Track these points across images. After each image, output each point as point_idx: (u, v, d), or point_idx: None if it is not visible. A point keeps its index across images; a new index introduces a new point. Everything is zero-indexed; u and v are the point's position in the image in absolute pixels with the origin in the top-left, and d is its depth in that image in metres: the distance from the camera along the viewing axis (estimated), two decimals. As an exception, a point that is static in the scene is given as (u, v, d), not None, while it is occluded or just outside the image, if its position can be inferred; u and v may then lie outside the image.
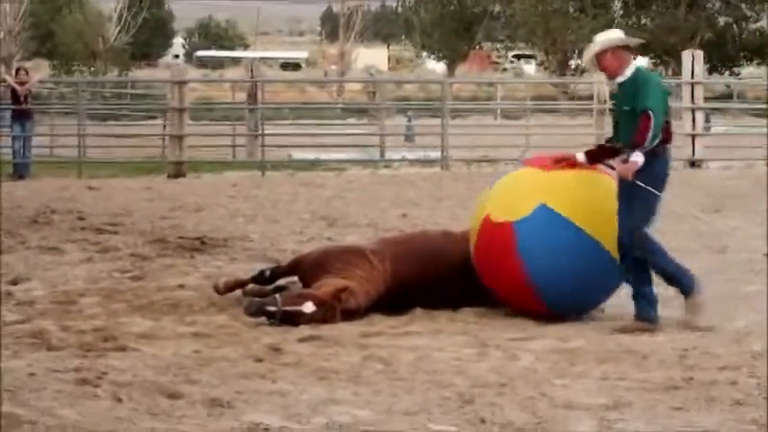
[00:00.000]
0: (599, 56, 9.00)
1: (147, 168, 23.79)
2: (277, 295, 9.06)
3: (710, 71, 55.51)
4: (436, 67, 76.19)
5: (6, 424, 6.07)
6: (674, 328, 8.85)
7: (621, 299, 9.25)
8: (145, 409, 6.47)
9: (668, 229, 13.99)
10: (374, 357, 7.80)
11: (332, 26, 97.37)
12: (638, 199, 8.77)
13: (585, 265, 8.86)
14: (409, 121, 33.15)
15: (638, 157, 8.65)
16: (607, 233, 8.83)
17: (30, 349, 7.91)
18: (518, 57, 77.05)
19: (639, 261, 8.91)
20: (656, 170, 8.78)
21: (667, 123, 8.87)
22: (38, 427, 6.07)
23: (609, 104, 25.60)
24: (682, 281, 8.97)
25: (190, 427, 6.20)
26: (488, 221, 9.13)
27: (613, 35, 9.12)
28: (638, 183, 8.69)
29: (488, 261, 9.13)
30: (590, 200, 9.02)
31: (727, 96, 43.35)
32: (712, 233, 13.89)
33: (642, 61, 66.21)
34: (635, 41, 9.41)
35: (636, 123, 8.70)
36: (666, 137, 8.87)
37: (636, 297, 8.96)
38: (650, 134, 8.62)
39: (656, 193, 8.84)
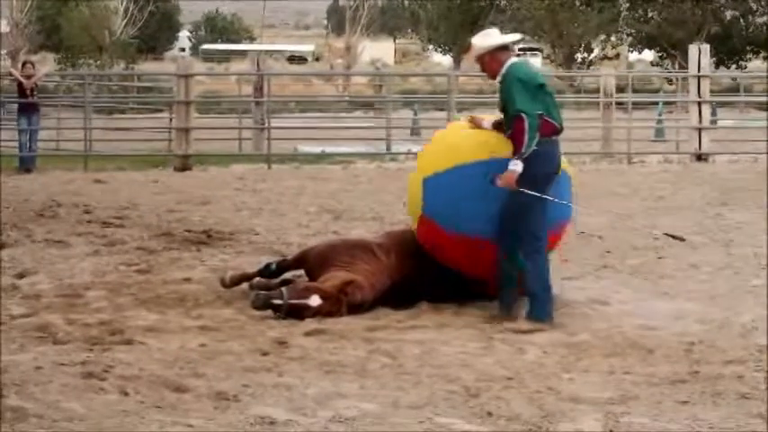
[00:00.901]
0: (479, 58, 9.12)
1: (154, 161, 23.78)
2: (283, 288, 9.05)
3: (717, 65, 55.38)
4: (442, 60, 76.12)
5: (13, 417, 6.09)
6: (678, 321, 8.86)
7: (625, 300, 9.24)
8: (151, 403, 6.49)
9: (675, 223, 14.03)
10: (380, 351, 7.81)
11: (338, 19, 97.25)
12: (519, 203, 8.76)
13: (483, 188, 8.91)
14: (415, 114, 33.11)
15: (516, 166, 8.64)
16: (472, 148, 9.13)
17: (36, 343, 7.92)
18: (524, 50, 77.03)
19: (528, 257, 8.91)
20: (536, 170, 8.70)
21: (544, 118, 8.77)
22: (44, 421, 6.08)
23: (616, 97, 25.66)
24: (538, 305, 8.84)
25: (196, 420, 6.21)
26: (420, 233, 9.42)
27: (489, 39, 9.13)
28: (520, 189, 8.71)
29: (445, 257, 9.28)
30: (449, 142, 9.46)
31: (734, 90, 43.23)
32: (718, 227, 13.88)
33: (649, 55, 66.15)
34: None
35: (510, 122, 8.76)
36: (548, 130, 8.78)
37: (529, 297, 8.95)
38: (526, 139, 8.63)
39: (538, 195, 8.77)
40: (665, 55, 61.13)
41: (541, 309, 8.82)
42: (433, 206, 9.24)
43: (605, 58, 63.71)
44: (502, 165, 8.77)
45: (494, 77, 9.09)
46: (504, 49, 9.12)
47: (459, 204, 9.07)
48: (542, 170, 8.77)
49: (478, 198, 8.95)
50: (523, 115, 8.63)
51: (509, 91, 8.81)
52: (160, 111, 33.02)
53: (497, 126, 9.15)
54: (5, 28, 61.85)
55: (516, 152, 8.66)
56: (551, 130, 8.85)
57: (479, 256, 9.06)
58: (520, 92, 8.74)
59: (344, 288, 8.92)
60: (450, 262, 9.32)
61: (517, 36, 9.85)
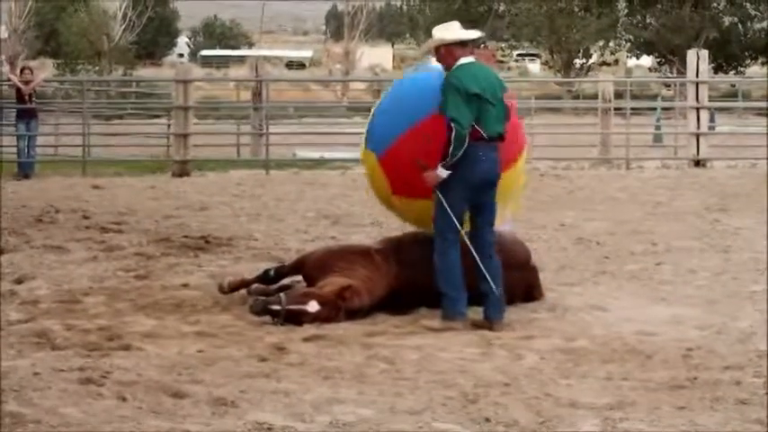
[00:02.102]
0: (435, 50, 9.28)
1: (152, 167, 23.79)
2: (281, 294, 9.05)
3: (715, 70, 55.48)
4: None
5: (11, 423, 6.08)
6: (676, 327, 8.86)
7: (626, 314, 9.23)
8: (149, 409, 6.48)
9: (673, 228, 14.05)
10: (378, 357, 7.80)
11: (336, 25, 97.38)
12: (435, 202, 8.92)
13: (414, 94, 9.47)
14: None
15: (441, 172, 8.79)
16: None
17: (34, 348, 7.92)
18: (523, 56, 77.08)
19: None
20: (457, 175, 8.79)
21: (474, 126, 8.82)
22: (42, 426, 6.08)
23: (614, 103, 25.68)
24: (449, 304, 8.95)
25: (194, 426, 6.20)
26: (390, 175, 9.48)
27: (447, 33, 9.24)
28: (437, 192, 8.86)
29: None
30: None
31: (732, 95, 43.29)
32: (717, 232, 13.88)
33: (647, 60, 66.17)
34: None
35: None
36: (473, 137, 8.79)
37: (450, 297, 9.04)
38: (451, 148, 8.71)
39: (457, 199, 8.87)
40: (663, 61, 61.26)
41: (452, 307, 8.90)
42: (375, 137, 9.73)
43: (604, 63, 63.81)
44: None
45: (447, 70, 9.17)
46: (461, 44, 9.21)
47: (391, 112, 9.54)
48: (464, 174, 8.82)
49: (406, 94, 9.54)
50: (453, 124, 8.74)
51: (444, 94, 8.92)
52: (158, 116, 33.00)
53: None
54: (4, 34, 61.93)
55: (443, 158, 8.80)
56: (477, 138, 8.86)
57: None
58: (453, 97, 8.83)
59: (343, 294, 8.91)
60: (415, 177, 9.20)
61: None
